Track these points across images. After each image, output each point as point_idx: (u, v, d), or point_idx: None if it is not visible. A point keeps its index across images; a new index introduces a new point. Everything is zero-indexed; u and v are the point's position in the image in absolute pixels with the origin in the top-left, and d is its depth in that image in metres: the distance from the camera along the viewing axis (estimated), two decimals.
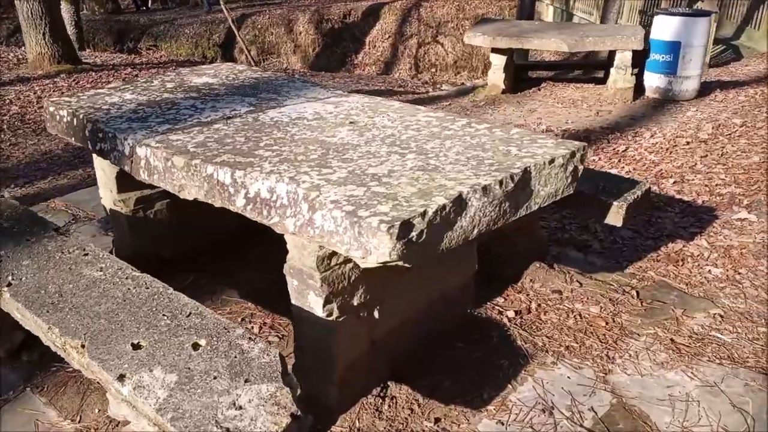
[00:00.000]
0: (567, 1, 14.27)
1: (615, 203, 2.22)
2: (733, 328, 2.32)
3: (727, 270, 2.73)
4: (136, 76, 7.57)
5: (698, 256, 2.87)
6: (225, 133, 2.05)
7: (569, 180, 1.83)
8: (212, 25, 16.23)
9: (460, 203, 1.54)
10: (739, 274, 2.70)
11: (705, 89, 6.88)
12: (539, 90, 6.77)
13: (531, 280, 2.54)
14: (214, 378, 1.45)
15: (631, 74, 6.10)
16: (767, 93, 6.69)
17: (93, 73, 7.51)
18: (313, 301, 1.73)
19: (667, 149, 4.69)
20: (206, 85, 2.64)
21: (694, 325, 2.34)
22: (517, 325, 2.32)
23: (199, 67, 2.99)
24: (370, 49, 16.44)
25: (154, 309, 1.70)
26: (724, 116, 5.69)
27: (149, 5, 18.54)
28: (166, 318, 1.65)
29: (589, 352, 2.19)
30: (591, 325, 2.32)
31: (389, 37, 16.44)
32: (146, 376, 1.46)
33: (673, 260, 2.82)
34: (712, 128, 5.27)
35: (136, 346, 1.56)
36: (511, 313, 2.38)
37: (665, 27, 6.07)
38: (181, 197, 1.94)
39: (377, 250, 1.42)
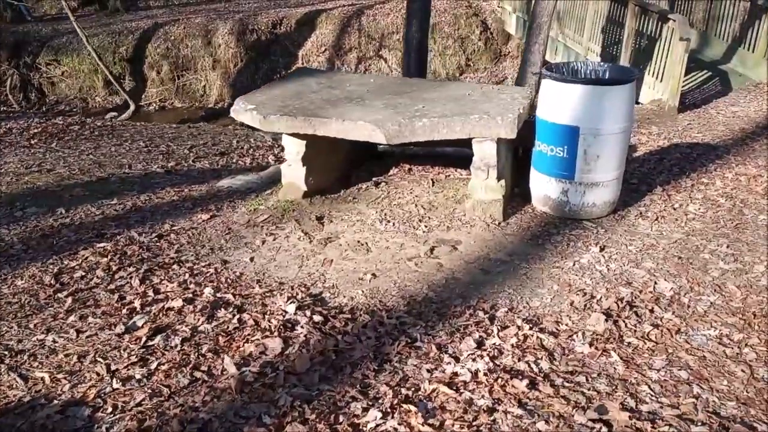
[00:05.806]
0: (527, 10, 11.73)
1: None
2: None
3: None
4: None
5: None
6: None
7: None
8: (120, 36, 13.88)
9: None
10: None
11: (641, 184, 4.35)
12: (378, 185, 4.29)
13: None
14: None
15: (497, 179, 3.60)
16: (746, 186, 4.14)
17: None
18: None
19: (472, 421, 2.20)
20: None
21: None
22: None
23: None
24: (303, 64, 13.96)
25: None
26: (645, 270, 3.18)
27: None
28: None
29: None
30: None
31: (325, 50, 13.97)
32: None
33: None
34: (606, 319, 2.76)
35: None
36: None
37: (555, 101, 3.54)
38: None
39: None
